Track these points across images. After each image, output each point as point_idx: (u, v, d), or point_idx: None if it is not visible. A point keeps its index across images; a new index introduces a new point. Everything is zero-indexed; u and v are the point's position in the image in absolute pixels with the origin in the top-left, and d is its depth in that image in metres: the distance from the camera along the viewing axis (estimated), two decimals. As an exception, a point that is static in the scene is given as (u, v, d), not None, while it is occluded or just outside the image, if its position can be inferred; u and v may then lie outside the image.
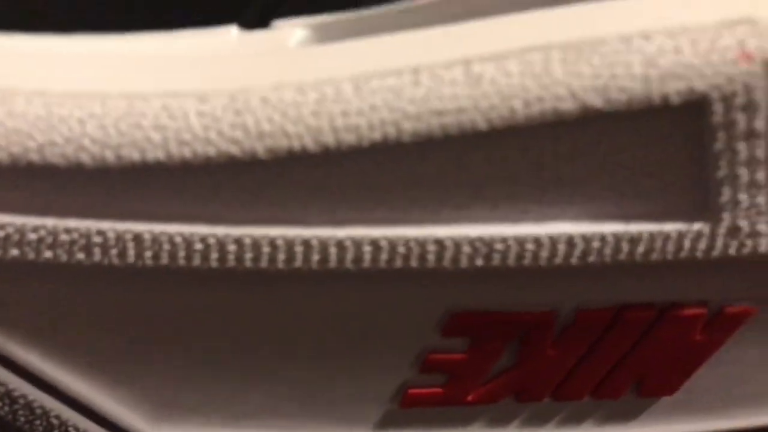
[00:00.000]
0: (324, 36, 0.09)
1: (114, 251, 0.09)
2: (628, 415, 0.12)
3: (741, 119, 0.08)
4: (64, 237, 0.09)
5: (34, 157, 0.08)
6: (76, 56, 0.09)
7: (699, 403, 0.12)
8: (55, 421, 0.11)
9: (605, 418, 0.12)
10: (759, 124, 0.08)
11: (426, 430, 0.12)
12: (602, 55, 0.08)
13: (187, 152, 0.08)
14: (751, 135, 0.08)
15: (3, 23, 0.09)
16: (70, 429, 0.11)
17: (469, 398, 0.11)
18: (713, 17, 0.08)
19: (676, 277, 0.10)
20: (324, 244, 0.09)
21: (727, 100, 0.08)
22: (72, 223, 0.09)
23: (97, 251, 0.09)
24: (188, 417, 0.11)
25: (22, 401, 0.10)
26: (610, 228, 0.09)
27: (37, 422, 0.11)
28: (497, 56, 0.08)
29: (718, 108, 0.08)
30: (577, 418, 0.12)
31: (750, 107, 0.08)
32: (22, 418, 0.11)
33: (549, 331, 0.10)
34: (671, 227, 0.09)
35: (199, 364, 0.11)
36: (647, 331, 0.11)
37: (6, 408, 0.11)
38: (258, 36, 0.09)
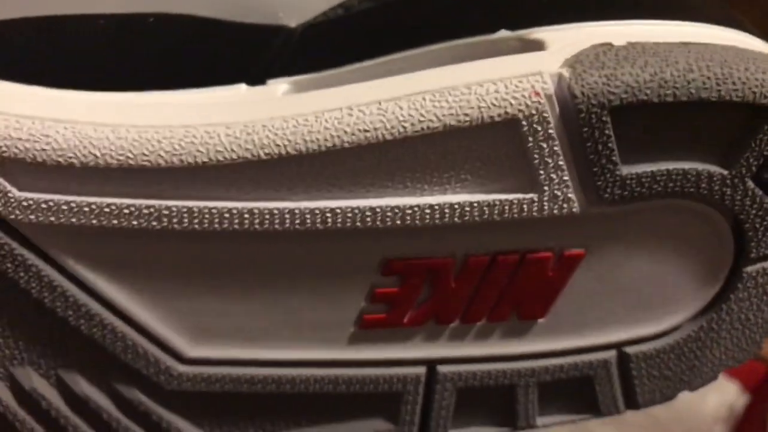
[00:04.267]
0: (300, 88, 0.15)
1: (175, 220, 0.14)
2: (518, 333, 0.17)
3: (540, 129, 0.14)
4: (144, 211, 0.14)
5: (132, 162, 0.14)
6: (150, 105, 0.14)
7: (564, 325, 0.17)
8: (120, 335, 0.16)
9: (503, 335, 0.17)
10: (551, 131, 0.14)
11: (379, 344, 0.17)
12: (454, 95, 0.14)
13: (220, 157, 0.14)
14: (548, 138, 0.14)
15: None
16: (128, 342, 0.16)
17: (405, 321, 0.17)
18: (519, 72, 0.14)
19: (529, 232, 0.16)
20: (302, 212, 0.15)
21: (528, 118, 0.14)
22: (150, 202, 0.14)
23: (164, 220, 0.14)
24: (215, 339, 0.17)
25: (97, 319, 0.16)
26: (476, 198, 0.15)
27: (108, 336, 0.16)
28: (395, 98, 0.14)
29: (524, 123, 0.14)
30: (483, 336, 0.17)
31: (543, 122, 0.14)
32: (96, 332, 0.16)
33: (449, 271, 0.16)
34: (513, 196, 0.15)
35: (225, 298, 0.16)
36: (515, 270, 0.16)
37: (84, 323, 0.16)
38: (258, 89, 0.15)
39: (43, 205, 0.14)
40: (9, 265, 0.15)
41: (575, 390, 0.18)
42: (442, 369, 0.18)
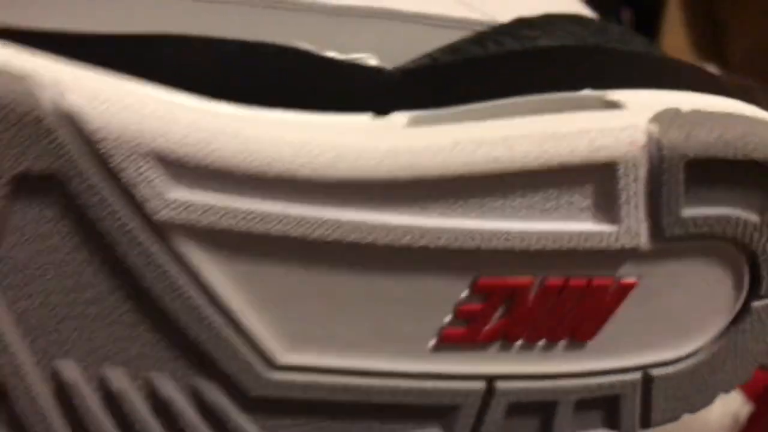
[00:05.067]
0: (419, 123, 0.17)
1: (319, 230, 0.16)
2: (569, 353, 0.20)
3: (631, 172, 0.17)
4: (292, 218, 0.16)
5: (287, 175, 0.15)
6: (301, 122, 0.16)
7: (605, 347, 0.20)
8: (224, 339, 0.17)
9: (556, 355, 0.20)
10: (639, 175, 0.17)
11: (451, 359, 0.19)
12: (569, 138, 0.16)
13: (371, 175, 0.15)
14: (636, 180, 0.17)
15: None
16: (230, 345, 0.17)
17: (479, 338, 0.19)
18: (621, 124, 0.17)
19: (599, 260, 0.18)
20: (432, 229, 0.16)
21: (625, 163, 0.16)
22: (297, 210, 0.16)
23: (303, 228, 0.16)
24: (307, 347, 0.18)
25: (206, 321, 0.16)
26: (568, 226, 0.17)
27: (213, 340, 0.17)
28: (522, 136, 0.16)
29: (621, 167, 0.17)
30: (540, 355, 0.19)
31: (635, 167, 0.17)
32: (202, 333, 0.17)
33: (529, 291, 0.18)
34: (597, 227, 0.17)
35: (328, 307, 0.17)
36: (581, 294, 0.19)
37: (193, 324, 0.17)
38: (383, 120, 0.17)
39: (191, 207, 0.15)
40: (141, 260, 0.16)
41: (602, 407, 0.21)
42: (500, 385, 0.19)
